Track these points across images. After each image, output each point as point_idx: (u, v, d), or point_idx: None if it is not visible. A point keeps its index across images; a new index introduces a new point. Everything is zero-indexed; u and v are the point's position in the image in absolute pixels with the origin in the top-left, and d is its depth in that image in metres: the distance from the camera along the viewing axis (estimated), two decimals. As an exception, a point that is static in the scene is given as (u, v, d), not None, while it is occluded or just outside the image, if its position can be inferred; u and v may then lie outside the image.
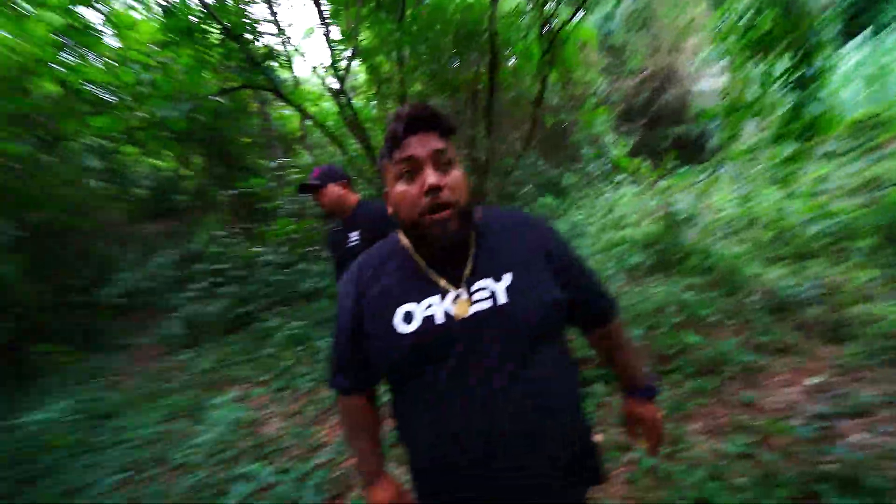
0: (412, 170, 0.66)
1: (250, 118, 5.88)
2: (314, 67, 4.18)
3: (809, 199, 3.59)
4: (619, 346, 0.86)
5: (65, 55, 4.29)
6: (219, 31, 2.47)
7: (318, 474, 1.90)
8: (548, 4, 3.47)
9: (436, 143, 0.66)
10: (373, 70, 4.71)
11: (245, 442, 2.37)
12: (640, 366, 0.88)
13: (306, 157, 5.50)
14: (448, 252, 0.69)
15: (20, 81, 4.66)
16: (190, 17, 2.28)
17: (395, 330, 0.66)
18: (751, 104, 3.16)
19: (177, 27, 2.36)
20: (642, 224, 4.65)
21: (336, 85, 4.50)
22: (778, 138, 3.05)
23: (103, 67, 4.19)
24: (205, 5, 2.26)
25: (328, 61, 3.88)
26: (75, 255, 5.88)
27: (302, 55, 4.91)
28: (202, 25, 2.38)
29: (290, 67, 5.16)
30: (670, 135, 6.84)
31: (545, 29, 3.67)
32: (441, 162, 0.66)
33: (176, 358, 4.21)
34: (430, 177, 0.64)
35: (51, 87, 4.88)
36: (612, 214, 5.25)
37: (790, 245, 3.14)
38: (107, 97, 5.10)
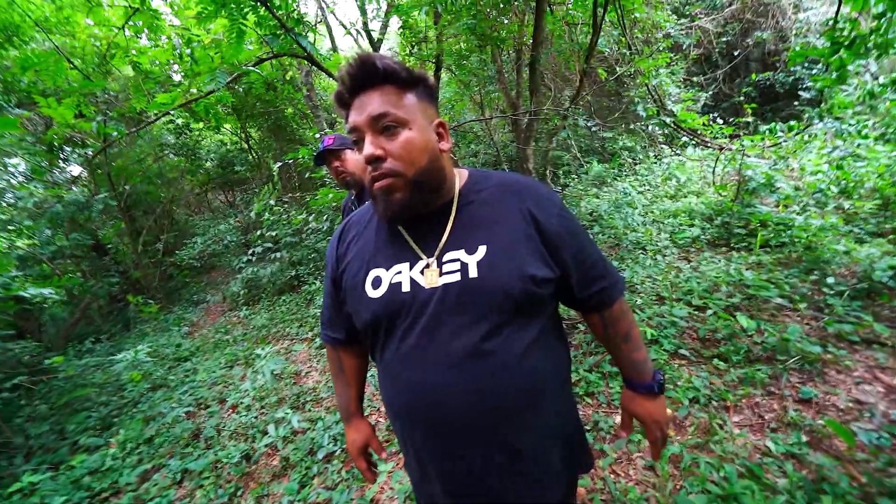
0: (358, 139, 0.60)
1: (294, 90, 6.05)
2: (346, 27, 4.08)
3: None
4: (619, 334, 0.75)
5: (137, 37, 4.69)
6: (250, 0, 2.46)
7: (341, 426, 2.06)
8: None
9: (375, 104, 0.58)
10: (409, 30, 4.51)
11: (288, 390, 2.64)
12: (643, 356, 0.76)
13: (347, 127, 5.57)
14: (421, 218, 0.65)
15: (103, 65, 5.22)
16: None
17: (365, 294, 0.66)
18: (868, 36, 2.49)
19: (209, -2, 2.38)
20: (707, 192, 4.10)
21: (369, 49, 4.40)
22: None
23: (165, 47, 4.52)
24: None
25: (360, 22, 3.79)
26: (158, 222, 6.76)
27: (332, 10, 4.81)
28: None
29: (328, 32, 5.14)
30: (753, 84, 5.68)
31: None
32: (381, 127, 0.58)
33: (238, 314, 4.76)
34: (367, 146, 0.58)
35: (125, 70, 5.40)
36: (671, 182, 4.68)
37: (898, 217, 2.55)
38: (174, 75, 5.57)
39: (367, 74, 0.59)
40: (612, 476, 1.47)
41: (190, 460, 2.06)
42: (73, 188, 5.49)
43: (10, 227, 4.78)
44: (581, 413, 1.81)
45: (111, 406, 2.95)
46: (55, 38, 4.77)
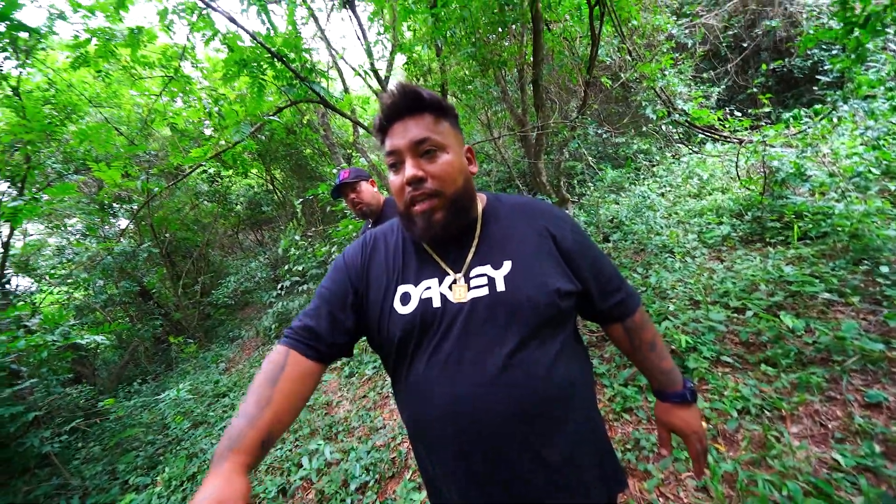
0: (396, 162, 0.65)
1: (312, 131, 6.44)
2: (355, 69, 4.36)
3: None
4: (644, 342, 0.75)
5: (172, 101, 5.22)
6: (268, 58, 2.71)
7: (373, 455, 2.05)
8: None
9: (417, 130, 0.63)
10: (413, 64, 4.75)
11: (321, 421, 2.66)
12: (670, 364, 0.76)
13: (361, 160, 5.84)
14: (450, 236, 0.67)
15: (144, 129, 5.80)
16: (240, 45, 2.54)
17: (395, 310, 0.66)
18: (883, 13, 2.39)
19: (233, 60, 2.64)
20: (733, 188, 3.92)
21: (378, 87, 4.66)
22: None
23: (197, 107, 5.00)
24: (252, 37, 2.50)
25: (367, 64, 4.03)
26: (195, 264, 7.20)
27: (341, 56, 5.14)
28: (254, 53, 2.63)
29: (339, 75, 5.51)
30: (767, 74, 5.49)
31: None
32: (423, 150, 0.63)
33: (271, 347, 4.91)
34: (409, 168, 0.63)
35: (163, 131, 5.97)
36: (692, 180, 4.52)
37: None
38: (206, 130, 6.12)
39: (408, 102, 0.64)
40: (660, 499, 1.36)
41: (230, 496, 2.09)
42: (122, 240, 5.99)
43: (68, 281, 5.24)
44: (620, 431, 1.71)
45: (157, 445, 3.08)
46: (105, 110, 5.37)
